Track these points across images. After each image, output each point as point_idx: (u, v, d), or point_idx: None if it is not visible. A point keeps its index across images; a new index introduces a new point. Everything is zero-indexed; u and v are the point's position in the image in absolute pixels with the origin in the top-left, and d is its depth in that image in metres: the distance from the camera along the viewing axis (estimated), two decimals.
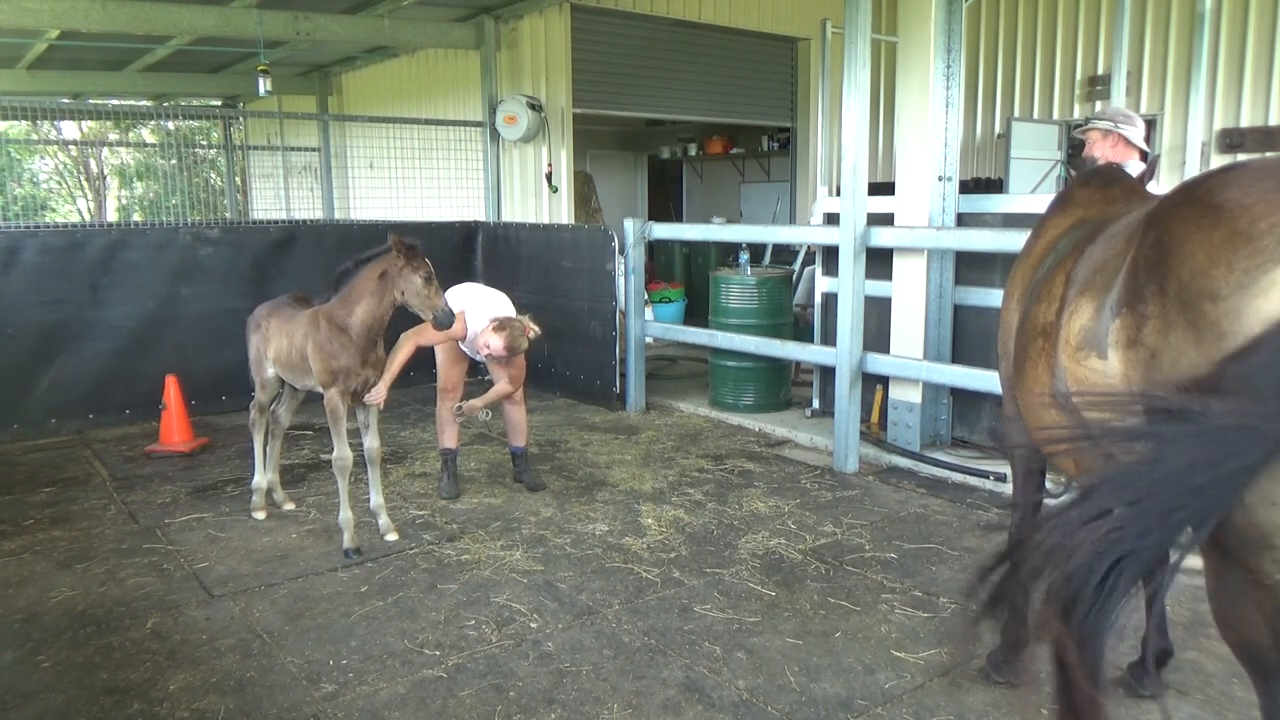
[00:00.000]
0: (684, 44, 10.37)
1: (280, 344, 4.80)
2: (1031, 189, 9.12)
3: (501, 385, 5.42)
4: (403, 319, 4.65)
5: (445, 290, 5.46)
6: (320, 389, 4.65)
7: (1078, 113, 10.02)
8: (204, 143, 16.38)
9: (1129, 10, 7.79)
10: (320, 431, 6.79)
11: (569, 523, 5.05)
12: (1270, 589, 2.04)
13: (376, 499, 4.84)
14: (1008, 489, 5.44)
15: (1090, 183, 3.14)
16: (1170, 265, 2.13)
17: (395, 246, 4.36)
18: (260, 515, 5.13)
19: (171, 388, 6.57)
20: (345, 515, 4.66)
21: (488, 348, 5.08)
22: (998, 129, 10.83)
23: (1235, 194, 2.06)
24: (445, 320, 4.42)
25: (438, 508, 5.32)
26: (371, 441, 4.73)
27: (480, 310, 5.24)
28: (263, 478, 5.22)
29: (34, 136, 15.99)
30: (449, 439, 5.56)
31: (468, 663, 3.53)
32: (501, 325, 5.08)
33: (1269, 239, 1.94)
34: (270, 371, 4.98)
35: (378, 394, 4.71)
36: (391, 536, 4.78)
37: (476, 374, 6.22)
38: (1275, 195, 2.00)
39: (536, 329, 5.22)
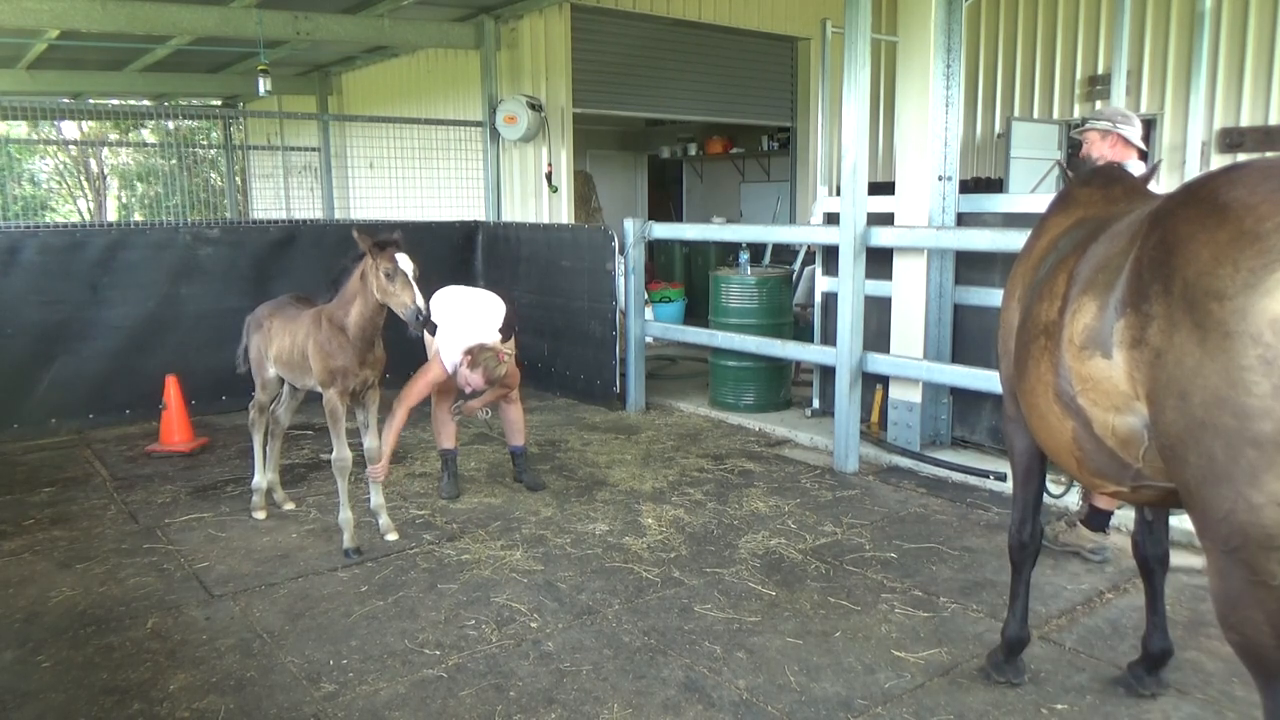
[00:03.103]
0: (684, 44, 10.37)
1: (283, 343, 4.80)
2: (1031, 189, 9.11)
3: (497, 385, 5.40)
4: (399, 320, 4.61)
5: (434, 293, 5.40)
6: (319, 389, 4.65)
7: (1078, 113, 10.02)
8: (204, 143, 16.37)
9: (1129, 10, 7.78)
10: (320, 431, 6.79)
11: (569, 522, 5.05)
12: (1275, 590, 2.04)
13: (376, 499, 4.84)
14: (1008, 488, 5.44)
15: (1091, 182, 3.14)
16: (1175, 264, 2.12)
17: (360, 242, 4.30)
18: (260, 515, 5.13)
19: (171, 387, 6.57)
20: (345, 515, 4.66)
21: (469, 385, 5.05)
22: (998, 129, 10.83)
23: (1240, 193, 2.05)
24: (412, 319, 4.18)
25: (438, 508, 5.31)
26: (371, 442, 4.73)
27: (455, 341, 5.06)
28: (262, 478, 5.22)
29: (34, 136, 15.98)
30: (447, 439, 5.55)
31: (468, 662, 3.53)
32: (475, 360, 4.96)
33: (1275, 238, 1.94)
34: (271, 371, 4.98)
35: (379, 471, 4.77)
36: (391, 536, 4.78)
37: None
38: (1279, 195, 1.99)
39: (509, 350, 5.16)
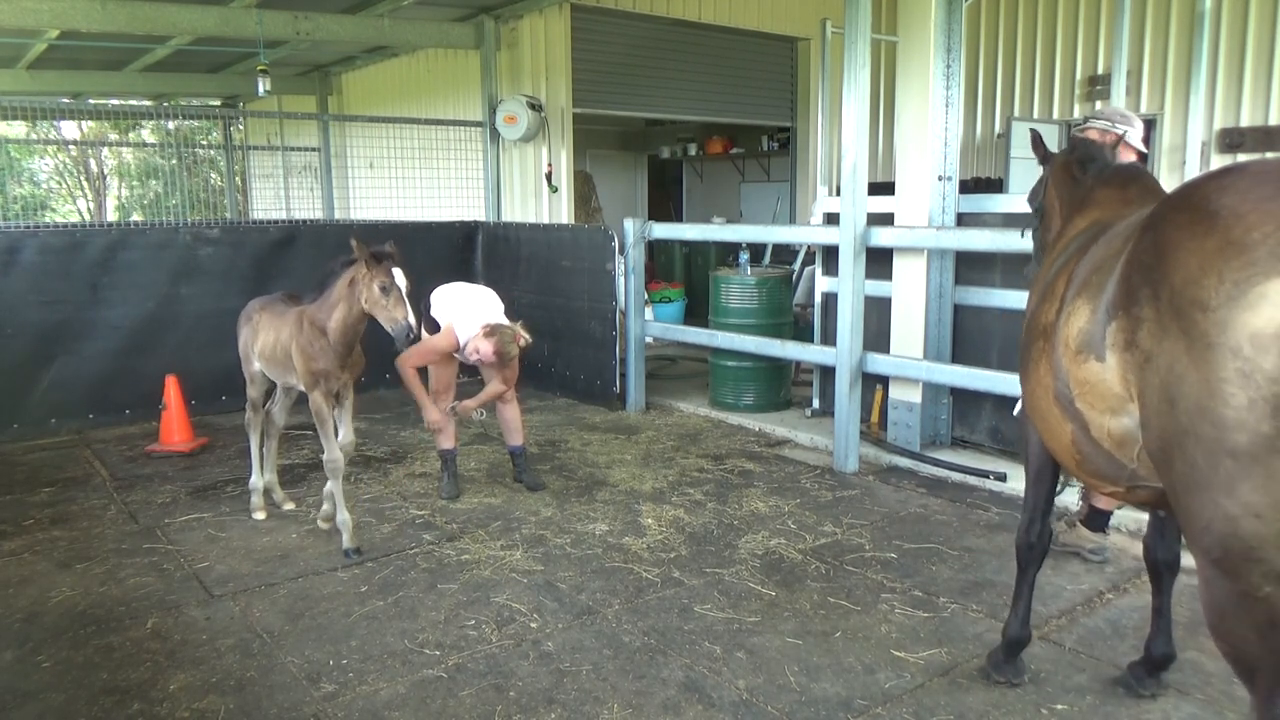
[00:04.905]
0: (684, 44, 10.37)
1: (267, 339, 4.80)
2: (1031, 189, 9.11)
3: (494, 385, 5.41)
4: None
5: (434, 290, 5.44)
6: (303, 389, 4.66)
7: (1078, 113, 10.01)
8: (204, 143, 16.37)
9: (1129, 10, 7.77)
10: None
11: (569, 523, 5.05)
12: (1261, 601, 2.01)
13: (333, 487, 4.66)
14: (1008, 488, 5.44)
15: (1110, 182, 3.11)
16: (1164, 271, 2.11)
17: (357, 252, 4.29)
18: (260, 515, 5.13)
19: (171, 388, 6.57)
20: (343, 516, 4.65)
21: (477, 353, 5.07)
22: (998, 129, 10.83)
23: (1231, 200, 2.02)
24: (401, 336, 4.24)
25: (438, 508, 5.31)
26: (346, 435, 4.66)
27: (469, 317, 5.18)
28: (260, 478, 5.22)
29: (34, 136, 15.98)
30: (446, 439, 5.55)
31: (468, 663, 3.53)
32: (492, 331, 5.04)
33: (1261, 250, 1.90)
34: (256, 366, 4.98)
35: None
36: (324, 527, 4.83)
37: (472, 373, 6.23)
38: (1270, 204, 1.95)
39: (528, 337, 5.18)
